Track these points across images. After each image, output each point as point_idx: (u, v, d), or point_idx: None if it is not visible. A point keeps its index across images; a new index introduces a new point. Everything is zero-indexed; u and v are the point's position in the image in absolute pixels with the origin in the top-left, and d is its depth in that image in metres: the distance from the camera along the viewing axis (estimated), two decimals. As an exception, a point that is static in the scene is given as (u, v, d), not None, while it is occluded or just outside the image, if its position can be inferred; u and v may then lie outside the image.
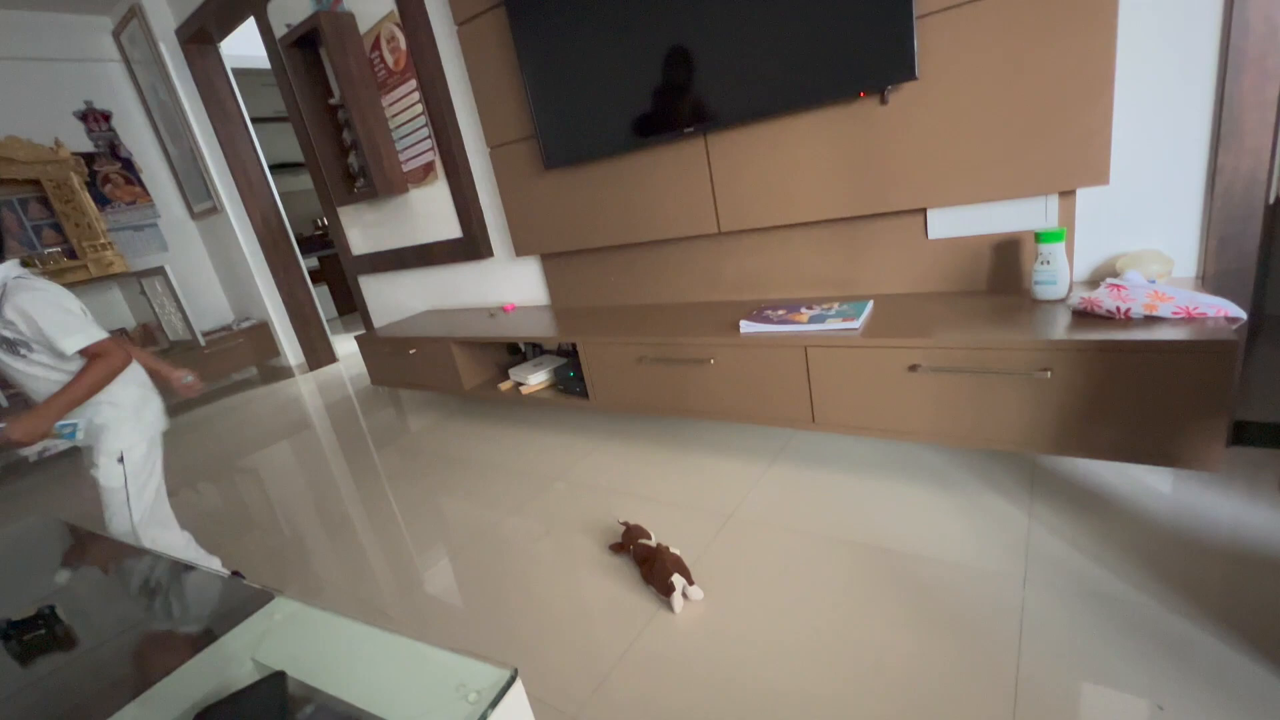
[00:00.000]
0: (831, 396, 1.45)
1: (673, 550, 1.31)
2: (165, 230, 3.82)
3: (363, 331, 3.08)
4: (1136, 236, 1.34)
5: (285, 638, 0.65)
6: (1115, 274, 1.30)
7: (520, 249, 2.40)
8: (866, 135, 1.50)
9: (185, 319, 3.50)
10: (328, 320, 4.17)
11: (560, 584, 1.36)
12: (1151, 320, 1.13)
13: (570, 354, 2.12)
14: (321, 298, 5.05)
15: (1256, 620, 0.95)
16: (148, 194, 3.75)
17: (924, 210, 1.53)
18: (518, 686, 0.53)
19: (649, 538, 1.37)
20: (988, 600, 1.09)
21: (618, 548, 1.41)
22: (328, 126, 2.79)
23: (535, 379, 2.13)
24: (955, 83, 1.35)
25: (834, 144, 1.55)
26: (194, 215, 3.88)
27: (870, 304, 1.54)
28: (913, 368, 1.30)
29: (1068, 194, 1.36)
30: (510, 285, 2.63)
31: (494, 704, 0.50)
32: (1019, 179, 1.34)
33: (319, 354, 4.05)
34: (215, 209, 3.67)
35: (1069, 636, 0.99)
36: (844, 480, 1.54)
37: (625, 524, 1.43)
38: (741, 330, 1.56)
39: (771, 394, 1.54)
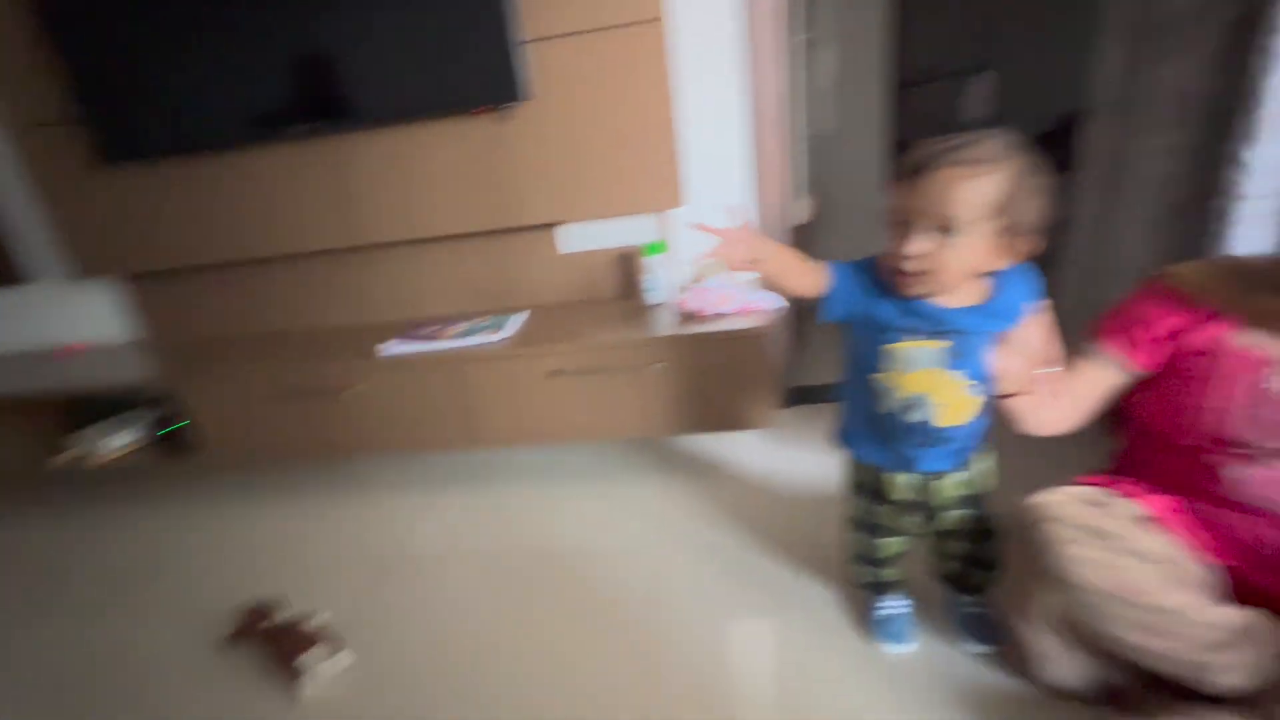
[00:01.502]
0: (486, 411, 1.43)
1: (315, 618, 1.11)
2: None
3: None
4: (714, 249, 1.66)
5: None
6: (701, 280, 1.58)
7: (90, 268, 1.79)
8: (494, 150, 1.52)
9: None
10: None
11: (173, 699, 1.03)
12: (722, 315, 1.40)
13: (171, 400, 1.66)
14: None
15: (807, 543, 1.23)
16: None
17: (553, 226, 1.63)
18: None
19: (277, 613, 1.13)
20: (628, 573, 1.19)
21: (237, 636, 1.13)
22: None
23: (117, 442, 1.61)
24: (566, 108, 1.46)
25: (465, 157, 1.54)
26: None
27: (518, 316, 1.57)
28: (553, 373, 1.36)
29: (665, 214, 1.61)
30: (75, 318, 1.94)
31: None
32: (624, 200, 1.53)
33: None
34: None
35: (689, 585, 1.14)
36: (511, 493, 1.53)
37: (246, 604, 1.16)
38: (381, 353, 1.43)
39: (426, 417, 1.45)
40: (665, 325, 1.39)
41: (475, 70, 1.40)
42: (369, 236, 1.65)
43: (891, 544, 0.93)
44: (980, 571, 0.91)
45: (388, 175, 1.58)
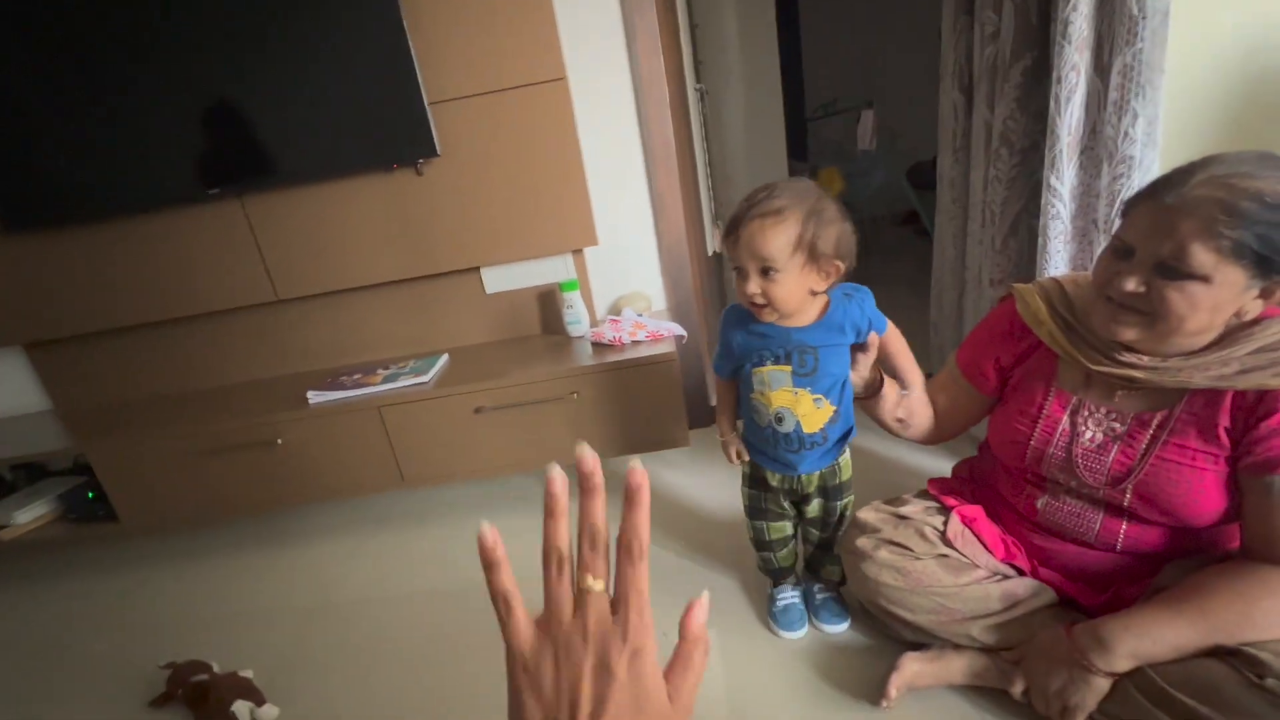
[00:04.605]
0: (414, 452, 1.47)
1: (242, 673, 1.12)
2: None
3: None
4: (629, 281, 1.78)
5: None
6: (618, 312, 1.69)
7: (-6, 339, 1.74)
8: (411, 202, 1.59)
9: None
10: None
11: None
12: (636, 344, 1.50)
13: (84, 468, 1.62)
14: None
15: (723, 548, 1.33)
16: None
17: (478, 269, 1.71)
18: None
19: (207, 670, 1.14)
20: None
21: (163, 699, 1.13)
22: None
23: (26, 515, 1.56)
24: (476, 161, 1.56)
25: (383, 209, 1.60)
26: None
27: (444, 358, 1.64)
28: (478, 410, 1.43)
29: (579, 252, 1.72)
30: (-23, 391, 1.87)
31: None
32: (541, 241, 1.63)
33: None
34: None
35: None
36: (443, 531, 1.57)
37: (171, 665, 1.15)
38: (310, 401, 1.46)
39: (355, 462, 1.48)
40: (583, 357, 1.48)
41: (390, 132, 1.48)
42: (293, 291, 1.68)
43: (777, 528, 1.06)
44: (830, 561, 1.05)
45: (307, 230, 1.62)
